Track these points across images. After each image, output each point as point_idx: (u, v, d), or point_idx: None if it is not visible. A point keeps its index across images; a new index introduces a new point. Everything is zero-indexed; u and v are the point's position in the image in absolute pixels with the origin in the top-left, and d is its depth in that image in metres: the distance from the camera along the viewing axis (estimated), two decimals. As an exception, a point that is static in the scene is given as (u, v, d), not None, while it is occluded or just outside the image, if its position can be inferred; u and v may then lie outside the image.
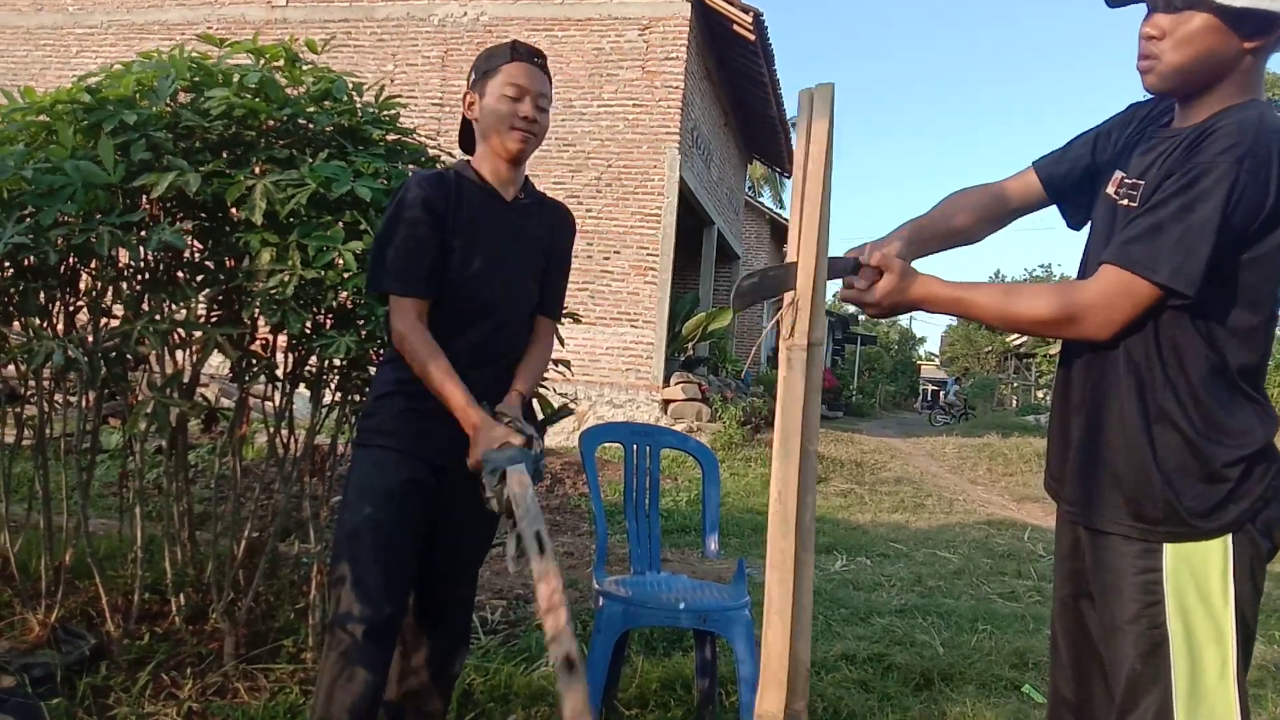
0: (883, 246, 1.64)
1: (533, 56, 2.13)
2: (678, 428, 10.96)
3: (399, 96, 3.20)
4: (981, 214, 1.84)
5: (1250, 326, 1.50)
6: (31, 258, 2.42)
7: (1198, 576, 1.48)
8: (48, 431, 3.00)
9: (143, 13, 13.04)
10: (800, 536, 1.52)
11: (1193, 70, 1.51)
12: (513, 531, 1.87)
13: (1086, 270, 1.64)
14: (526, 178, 2.23)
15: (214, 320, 2.92)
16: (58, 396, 3.21)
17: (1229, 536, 1.48)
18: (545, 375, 3.14)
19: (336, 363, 2.96)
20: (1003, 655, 3.85)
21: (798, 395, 1.52)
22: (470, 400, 1.97)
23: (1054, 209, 1.85)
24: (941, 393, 47.10)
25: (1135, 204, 1.55)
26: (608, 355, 11.55)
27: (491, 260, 2.12)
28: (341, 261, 2.50)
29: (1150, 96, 1.67)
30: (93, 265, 2.79)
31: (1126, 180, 1.60)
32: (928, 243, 1.80)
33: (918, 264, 1.69)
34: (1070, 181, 1.79)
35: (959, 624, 4.37)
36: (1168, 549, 1.49)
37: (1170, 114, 1.65)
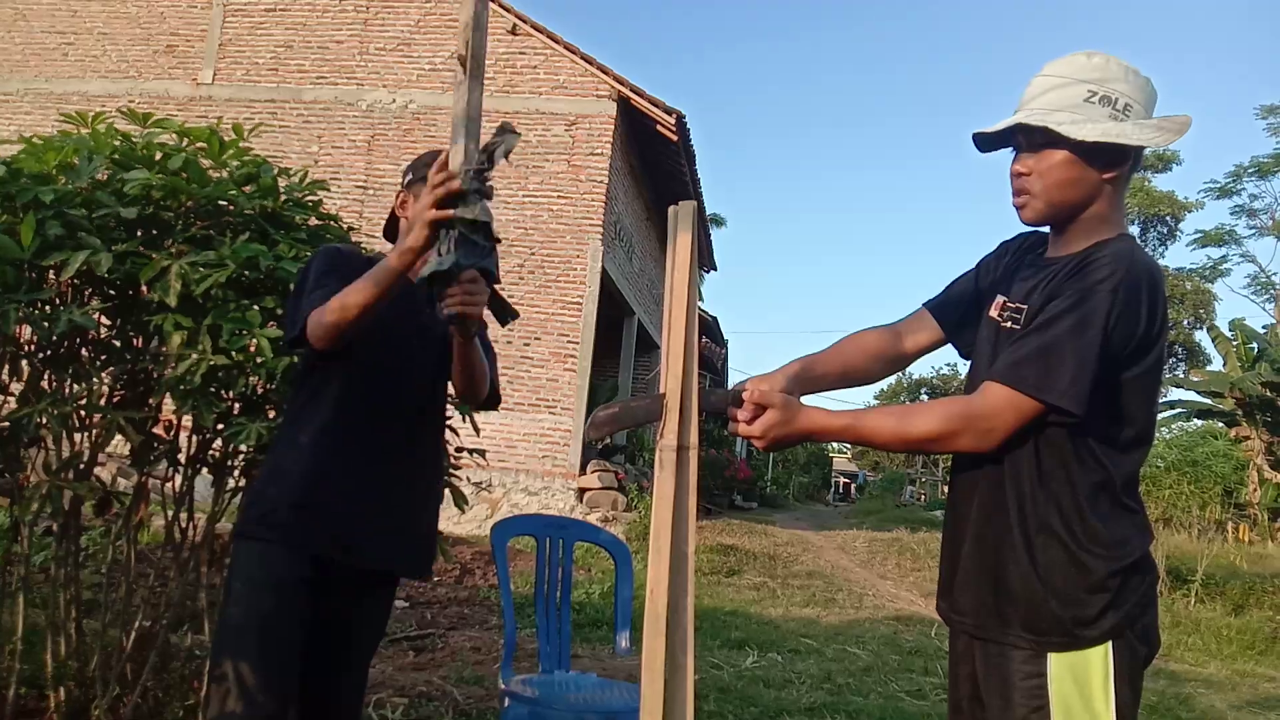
0: (765, 383, 1.66)
1: None
2: (593, 516, 10.88)
3: (322, 180, 3.21)
4: (877, 354, 1.90)
5: (1129, 441, 1.60)
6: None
7: (1080, 683, 1.54)
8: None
9: (62, 83, 12.86)
10: (679, 639, 1.51)
11: (1061, 202, 1.64)
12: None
13: (971, 388, 1.72)
14: None
15: (117, 401, 2.83)
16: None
17: (1109, 644, 1.55)
18: (459, 464, 3.12)
19: (243, 448, 2.90)
20: (909, 755, 3.86)
21: (666, 495, 1.53)
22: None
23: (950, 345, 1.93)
24: (852, 485, 47.81)
25: (1018, 326, 1.65)
26: (524, 442, 11.47)
27: (395, 345, 2.11)
28: (255, 346, 2.46)
29: (1025, 230, 1.80)
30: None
31: (1009, 304, 1.71)
32: (820, 380, 1.82)
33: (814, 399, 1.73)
34: (961, 315, 1.88)
35: (867, 723, 4.38)
36: (1052, 657, 1.56)
37: (1043, 245, 1.78)
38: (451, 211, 1.73)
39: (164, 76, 12.69)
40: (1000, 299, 1.74)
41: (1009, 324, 1.68)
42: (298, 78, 12.46)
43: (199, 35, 12.74)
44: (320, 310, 1.92)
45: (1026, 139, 1.64)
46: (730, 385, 1.72)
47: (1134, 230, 35.74)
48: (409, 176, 2.18)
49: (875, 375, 1.90)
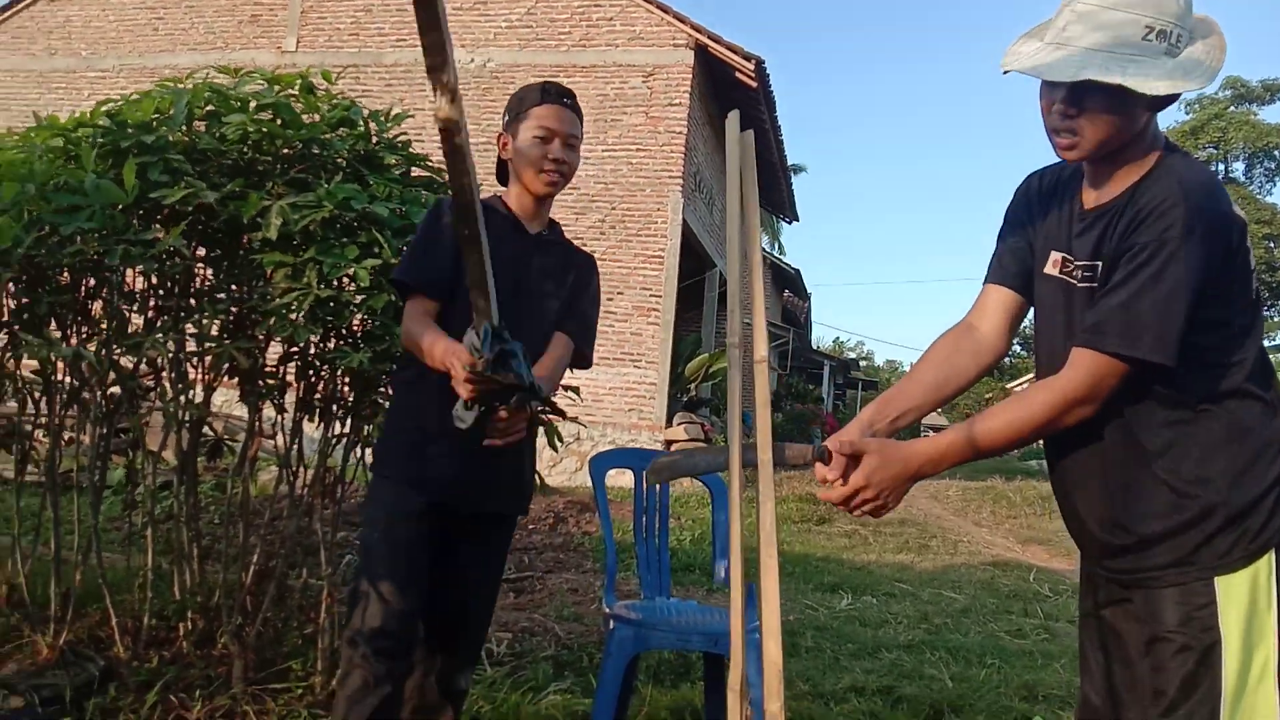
0: (844, 434, 1.61)
1: (562, 97, 2.21)
2: (680, 468, 10.92)
3: (405, 133, 3.27)
4: (960, 352, 1.80)
5: (1246, 326, 1.55)
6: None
7: (1250, 586, 1.50)
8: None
9: (154, 57, 13.27)
10: (765, 528, 1.58)
11: (1113, 141, 1.56)
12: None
13: (1041, 346, 1.69)
14: (554, 221, 2.30)
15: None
16: (64, 434, 3.20)
17: (1272, 552, 1.50)
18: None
19: (346, 391, 2.98)
20: (1012, 688, 3.81)
21: (734, 389, 1.63)
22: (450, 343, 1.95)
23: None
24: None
25: (1095, 284, 1.58)
26: (610, 395, 11.55)
27: (507, 285, 2.16)
28: (353, 283, 2.53)
29: (1038, 169, 1.79)
30: (104, 292, 2.82)
31: (1077, 262, 1.63)
32: (907, 412, 1.74)
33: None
34: (1027, 274, 1.79)
35: (967, 659, 4.33)
36: (1219, 581, 1.51)
37: (1073, 181, 1.70)
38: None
39: (250, 46, 12.97)
40: (1058, 255, 1.67)
41: (1084, 284, 1.61)
42: (378, 41, 12.61)
43: (281, 4, 12.97)
44: (411, 331, 2.05)
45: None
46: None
47: (1239, 166, 34.08)
48: (506, 118, 2.24)
49: (969, 375, 1.80)
